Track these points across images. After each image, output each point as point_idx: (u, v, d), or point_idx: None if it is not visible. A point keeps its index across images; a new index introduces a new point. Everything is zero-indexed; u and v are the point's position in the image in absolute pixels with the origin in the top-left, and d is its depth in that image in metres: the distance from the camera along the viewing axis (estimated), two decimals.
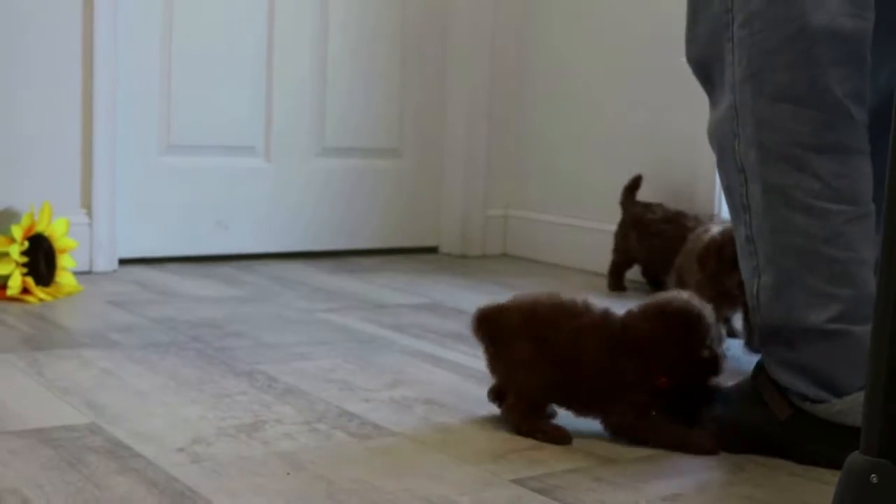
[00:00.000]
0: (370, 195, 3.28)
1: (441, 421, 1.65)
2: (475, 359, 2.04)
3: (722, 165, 1.54)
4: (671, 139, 2.97)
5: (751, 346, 2.09)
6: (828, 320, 1.45)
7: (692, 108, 2.89)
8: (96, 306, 2.37)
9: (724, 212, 2.82)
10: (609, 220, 3.12)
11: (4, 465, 1.38)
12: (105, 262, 2.76)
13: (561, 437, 1.55)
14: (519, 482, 1.39)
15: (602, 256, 3.09)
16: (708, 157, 2.82)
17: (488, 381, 1.88)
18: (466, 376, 1.92)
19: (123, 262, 2.85)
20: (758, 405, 1.53)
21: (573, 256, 3.21)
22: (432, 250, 3.42)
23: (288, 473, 1.39)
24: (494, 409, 1.71)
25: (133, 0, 2.82)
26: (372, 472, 1.41)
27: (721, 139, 1.53)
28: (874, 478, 1.04)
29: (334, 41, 3.18)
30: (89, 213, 2.75)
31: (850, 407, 1.44)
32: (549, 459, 1.49)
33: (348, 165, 3.24)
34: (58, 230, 2.46)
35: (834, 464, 1.30)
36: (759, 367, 1.56)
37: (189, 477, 1.36)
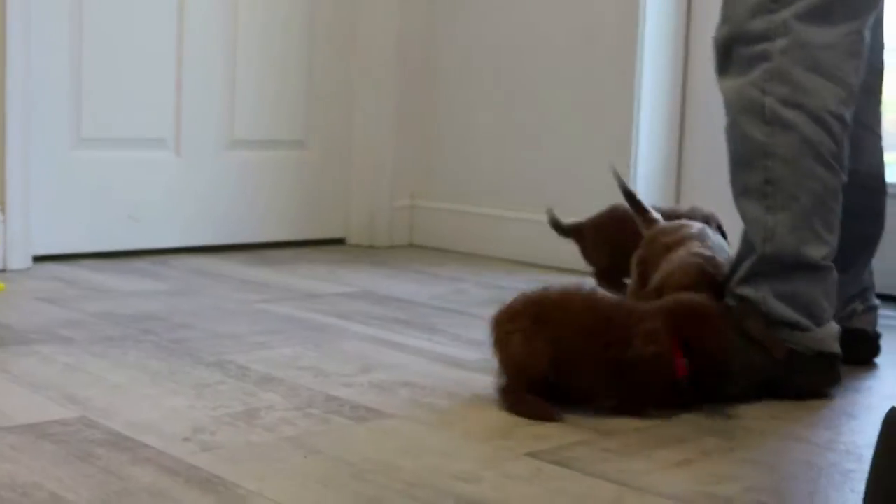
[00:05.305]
0: (278, 188, 3.26)
1: (430, 402, 1.66)
2: (432, 343, 2.07)
3: (741, 118, 1.79)
4: (579, 132, 3.04)
5: None
6: (822, 257, 1.76)
7: (600, 102, 2.97)
8: (27, 303, 2.29)
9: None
10: (514, 208, 3.18)
11: (13, 462, 1.33)
12: (19, 259, 2.67)
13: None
14: (533, 455, 1.42)
15: (506, 244, 3.14)
16: (617, 147, 2.90)
17: (455, 363, 1.90)
18: (433, 359, 1.93)
19: (36, 259, 2.76)
20: (753, 349, 1.72)
21: (479, 245, 3.25)
22: (339, 242, 3.41)
23: (305, 457, 1.39)
24: (476, 389, 1.74)
25: None
26: (386, 452, 1.42)
27: (743, 97, 1.79)
28: None
29: (244, 34, 3.14)
30: (2, 210, 2.65)
31: (827, 334, 1.76)
32: (552, 434, 1.52)
33: (258, 158, 3.21)
34: None
35: (818, 389, 1.76)
36: (741, 314, 1.75)
37: (208, 465, 1.34)
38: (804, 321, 1.75)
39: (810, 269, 1.76)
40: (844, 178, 1.78)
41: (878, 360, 2.02)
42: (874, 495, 1.12)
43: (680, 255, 1.88)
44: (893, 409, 1.12)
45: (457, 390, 1.73)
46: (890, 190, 2.04)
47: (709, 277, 1.81)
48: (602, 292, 1.69)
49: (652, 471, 1.38)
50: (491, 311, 1.69)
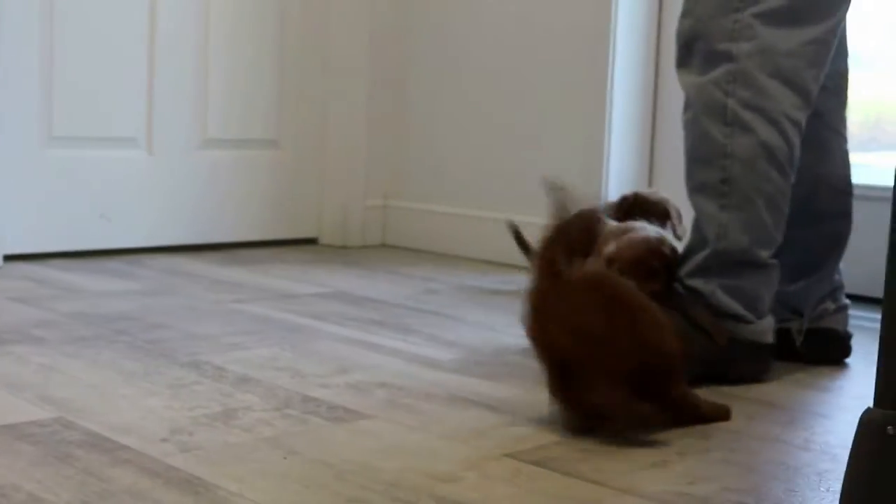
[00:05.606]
0: (251, 187, 3.25)
1: (407, 403, 1.67)
2: (407, 343, 2.07)
3: (701, 118, 1.85)
4: (552, 131, 3.05)
5: None
6: (769, 256, 1.86)
7: (572, 100, 2.98)
8: None
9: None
10: (486, 208, 3.18)
11: None
12: None
13: None
14: (512, 456, 1.43)
15: (479, 244, 3.15)
16: (589, 146, 2.91)
17: (431, 363, 1.91)
18: (409, 360, 1.94)
19: (6, 258, 2.74)
20: (698, 335, 1.79)
21: (452, 245, 3.26)
22: (311, 241, 3.41)
23: (285, 458, 1.39)
24: (453, 390, 1.74)
25: None
26: (365, 453, 1.42)
27: (705, 96, 1.85)
28: (890, 429, 1.12)
29: (215, 33, 3.13)
30: None
31: (766, 327, 1.86)
32: (530, 434, 1.53)
33: (230, 157, 3.20)
34: None
35: (757, 377, 1.85)
36: (689, 303, 1.83)
37: (187, 466, 1.34)
38: (747, 314, 1.84)
39: (758, 266, 1.85)
40: (793, 179, 1.86)
41: (849, 360, 2.04)
42: (850, 496, 1.13)
43: (626, 235, 1.92)
44: (869, 410, 1.13)
45: (433, 391, 1.73)
46: (856, 192, 2.07)
47: (657, 252, 1.86)
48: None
49: (630, 471, 1.39)
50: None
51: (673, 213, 2.30)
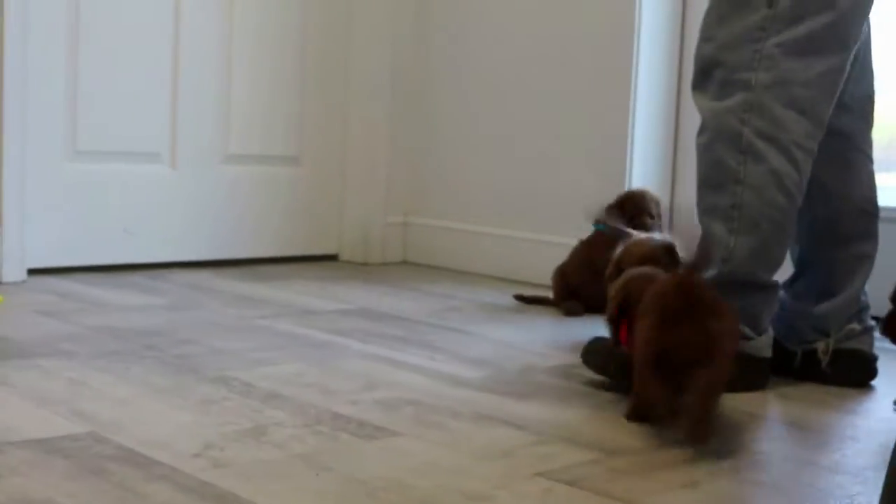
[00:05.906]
0: (272, 203, 3.27)
1: (435, 420, 1.67)
2: (432, 360, 2.08)
3: (716, 144, 1.91)
4: (569, 148, 3.05)
5: None
6: (771, 277, 1.93)
7: (595, 120, 2.99)
8: (26, 316, 2.29)
9: None
10: (505, 226, 3.19)
11: (25, 476, 1.33)
12: (14, 272, 2.67)
13: None
14: (542, 475, 1.43)
15: (497, 261, 3.16)
16: (611, 167, 2.92)
17: (457, 381, 1.91)
18: (434, 377, 1.94)
19: (31, 272, 2.76)
20: None
21: (471, 262, 3.27)
22: (332, 258, 3.42)
23: (317, 474, 1.40)
24: (480, 408, 1.74)
25: (41, 9, 2.75)
26: (397, 471, 1.43)
27: (722, 124, 1.90)
28: None
29: (239, 50, 3.15)
30: None
31: (765, 343, 1.94)
32: (560, 453, 1.53)
33: (252, 173, 3.22)
34: None
35: (753, 388, 1.90)
36: None
37: (222, 482, 1.35)
38: (748, 332, 1.90)
39: (760, 287, 1.93)
40: (800, 202, 1.92)
41: (874, 382, 2.04)
42: None
43: (631, 238, 2.04)
44: None
45: (460, 409, 1.74)
46: (882, 213, 2.08)
47: (665, 248, 1.92)
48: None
49: (660, 491, 1.39)
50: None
51: (661, 204, 2.56)
